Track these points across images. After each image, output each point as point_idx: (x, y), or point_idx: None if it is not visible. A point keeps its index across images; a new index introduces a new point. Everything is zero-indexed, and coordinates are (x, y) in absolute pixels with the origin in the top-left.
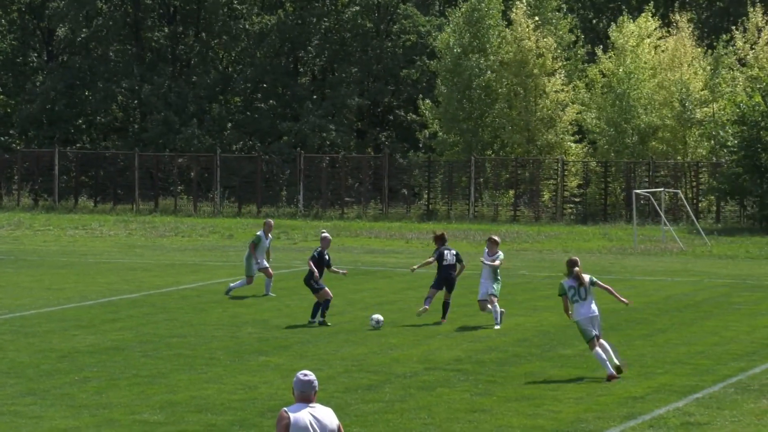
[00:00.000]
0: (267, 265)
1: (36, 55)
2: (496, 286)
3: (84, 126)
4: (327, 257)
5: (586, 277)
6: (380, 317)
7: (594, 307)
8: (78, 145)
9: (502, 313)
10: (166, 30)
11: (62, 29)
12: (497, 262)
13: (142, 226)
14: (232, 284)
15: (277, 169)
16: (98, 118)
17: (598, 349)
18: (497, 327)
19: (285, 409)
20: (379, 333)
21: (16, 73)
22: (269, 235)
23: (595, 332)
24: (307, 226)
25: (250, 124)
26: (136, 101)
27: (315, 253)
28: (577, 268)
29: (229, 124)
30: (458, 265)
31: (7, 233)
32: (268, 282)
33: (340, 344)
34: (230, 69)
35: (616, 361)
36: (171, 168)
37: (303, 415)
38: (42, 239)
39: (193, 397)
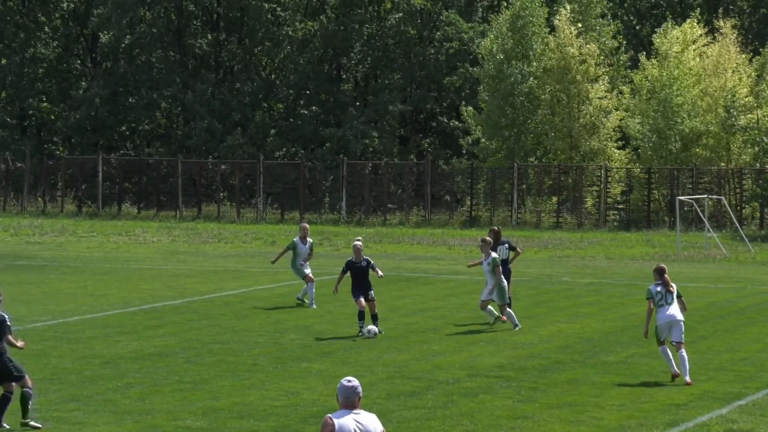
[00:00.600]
0: (308, 272)
1: (79, 62)
2: (500, 292)
3: (127, 133)
4: (362, 264)
5: (674, 286)
6: (374, 328)
7: (676, 312)
8: (121, 151)
9: (497, 317)
10: (209, 37)
11: (106, 36)
12: (490, 267)
13: (185, 232)
14: (307, 298)
15: (319, 176)
16: (142, 125)
17: (665, 347)
18: (516, 329)
19: (330, 415)
20: (421, 340)
21: (60, 80)
22: (308, 239)
23: (668, 337)
24: (350, 233)
25: (293, 130)
26: (179, 108)
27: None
28: (666, 275)
29: (272, 131)
30: (512, 253)
31: (51, 240)
32: (311, 288)
33: (383, 351)
34: (273, 76)
35: (686, 378)
36: (214, 175)
37: (348, 421)
38: (85, 246)
39: (236, 404)
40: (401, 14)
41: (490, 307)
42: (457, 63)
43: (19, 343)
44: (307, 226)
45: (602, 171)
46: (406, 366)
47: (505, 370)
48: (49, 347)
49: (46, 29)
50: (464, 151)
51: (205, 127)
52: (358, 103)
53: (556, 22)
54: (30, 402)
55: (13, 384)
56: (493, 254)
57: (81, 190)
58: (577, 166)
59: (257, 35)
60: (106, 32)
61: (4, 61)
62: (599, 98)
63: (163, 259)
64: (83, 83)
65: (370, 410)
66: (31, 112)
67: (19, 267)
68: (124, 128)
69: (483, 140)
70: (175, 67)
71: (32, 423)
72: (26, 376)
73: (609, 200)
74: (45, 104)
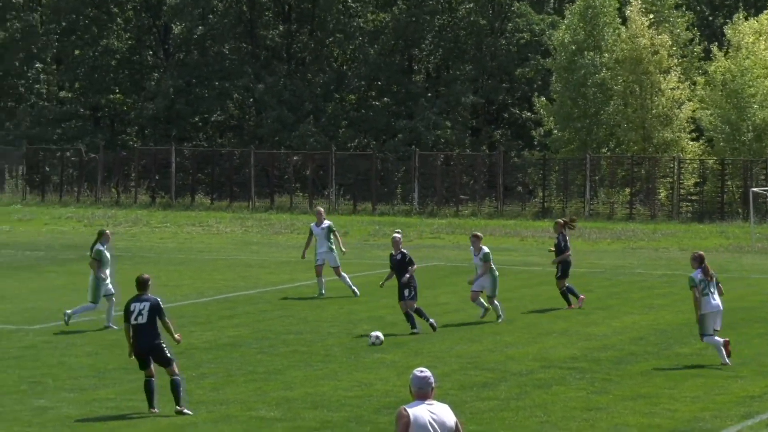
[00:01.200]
0: (321, 263)
1: (152, 53)
2: (491, 285)
3: (200, 124)
4: (397, 258)
5: (714, 274)
6: (380, 334)
7: (720, 301)
8: (194, 142)
9: (486, 309)
10: (281, 28)
11: (178, 27)
12: (481, 262)
13: (258, 223)
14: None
15: (391, 167)
16: (214, 115)
17: (713, 336)
18: (500, 321)
19: (404, 407)
20: (493, 331)
21: (133, 71)
22: (323, 221)
23: (715, 328)
24: (422, 224)
25: (365, 122)
26: (251, 99)
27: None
28: (706, 263)
29: (344, 122)
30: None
31: (124, 230)
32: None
33: (455, 342)
34: (344, 67)
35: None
36: (286, 166)
37: (422, 412)
38: (159, 236)
39: (309, 394)
40: (472, 5)
41: (480, 299)
42: (528, 54)
43: (177, 336)
44: (321, 209)
45: (675, 162)
46: (479, 357)
47: (578, 361)
48: (121, 338)
49: (119, 21)
50: (536, 143)
51: (276, 118)
52: (429, 95)
53: (627, 12)
54: (180, 389)
55: (152, 368)
56: (485, 248)
57: (154, 180)
58: (650, 157)
59: (328, 26)
60: (178, 23)
61: (77, 53)
62: (672, 89)
63: (236, 250)
64: (156, 75)
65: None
66: (104, 103)
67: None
68: (196, 119)
69: (555, 131)
70: (247, 58)
71: (185, 411)
72: (174, 363)
73: (682, 192)
74: (118, 96)
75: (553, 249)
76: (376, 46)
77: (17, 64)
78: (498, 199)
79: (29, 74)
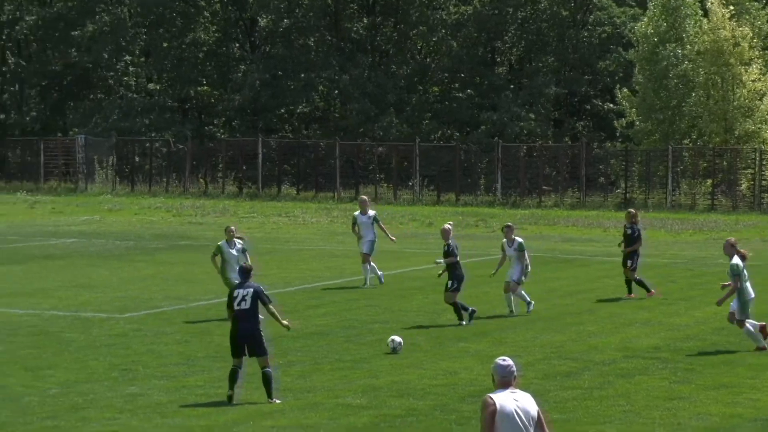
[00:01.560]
0: (367, 251)
1: (238, 45)
2: (518, 274)
3: (286, 115)
4: (446, 248)
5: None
6: (399, 339)
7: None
8: (280, 133)
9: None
10: (365, 21)
11: (264, 19)
12: (516, 253)
13: (343, 213)
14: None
15: (475, 158)
16: (299, 107)
17: (748, 326)
18: (529, 310)
19: (489, 395)
20: (576, 321)
21: (219, 64)
22: (368, 211)
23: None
24: (505, 214)
25: (448, 113)
26: (335, 91)
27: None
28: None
29: (428, 114)
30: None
31: (212, 220)
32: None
33: (539, 331)
34: (428, 59)
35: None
36: (371, 157)
37: (507, 400)
38: (246, 226)
39: (395, 382)
40: None
41: (522, 291)
42: (610, 46)
43: (285, 321)
44: (365, 198)
45: (757, 154)
46: (562, 347)
47: (660, 351)
48: (213, 326)
49: (206, 14)
50: (618, 134)
51: (360, 109)
52: (512, 86)
53: (708, 5)
54: (272, 381)
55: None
56: (518, 239)
57: (241, 171)
58: (732, 148)
59: (412, 19)
60: (264, 16)
61: (165, 46)
62: (753, 81)
63: (322, 240)
64: (242, 67)
65: (526, 390)
66: (191, 95)
67: (182, 247)
68: (282, 111)
69: (638, 123)
70: (331, 51)
71: (276, 401)
72: (267, 356)
73: (764, 183)
74: (205, 88)
75: (623, 243)
76: (459, 38)
77: (106, 56)
78: (580, 190)
79: (118, 67)
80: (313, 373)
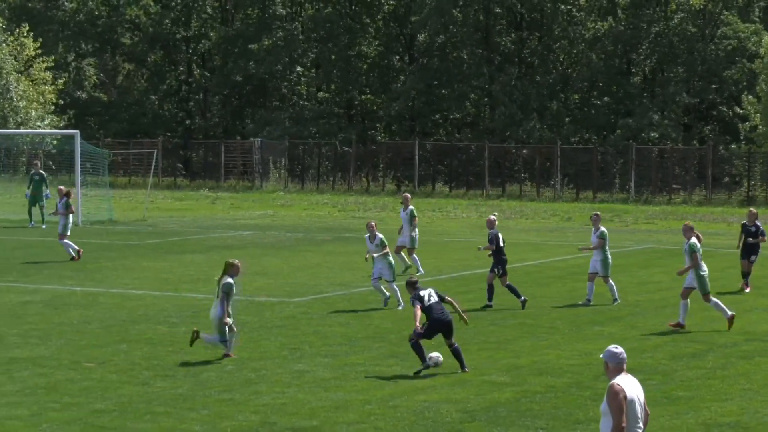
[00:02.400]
0: (402, 244)
1: (398, 58)
2: (602, 266)
3: (440, 120)
4: (490, 237)
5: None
6: (437, 356)
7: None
8: (435, 137)
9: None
10: (513, 36)
11: (422, 35)
12: (598, 240)
13: (491, 209)
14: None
15: (611, 159)
16: (452, 113)
17: (713, 299)
18: (615, 303)
19: (617, 382)
20: (702, 307)
21: (381, 74)
22: (408, 206)
23: None
24: (638, 211)
25: (587, 119)
26: (485, 98)
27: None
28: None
29: (567, 119)
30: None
31: (373, 215)
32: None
33: (668, 317)
34: (569, 69)
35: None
36: (516, 158)
37: (628, 384)
38: None
39: (535, 362)
40: (685, 14)
41: (611, 281)
42: (735, 58)
43: (465, 316)
44: (408, 195)
45: None
46: (688, 330)
47: None
48: (372, 310)
49: (370, 30)
50: (742, 137)
51: (507, 115)
52: (646, 94)
53: None
54: (461, 354)
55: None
56: (602, 228)
57: (399, 171)
58: None
59: (555, 34)
60: (423, 32)
61: (333, 58)
62: None
63: (471, 233)
64: (401, 77)
65: (654, 370)
66: (356, 102)
67: (346, 239)
68: (437, 116)
69: (761, 127)
70: (482, 63)
71: (467, 369)
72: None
73: None
74: (368, 96)
75: (741, 239)
76: (597, 50)
77: (280, 68)
78: (707, 188)
79: (291, 77)
80: (462, 353)
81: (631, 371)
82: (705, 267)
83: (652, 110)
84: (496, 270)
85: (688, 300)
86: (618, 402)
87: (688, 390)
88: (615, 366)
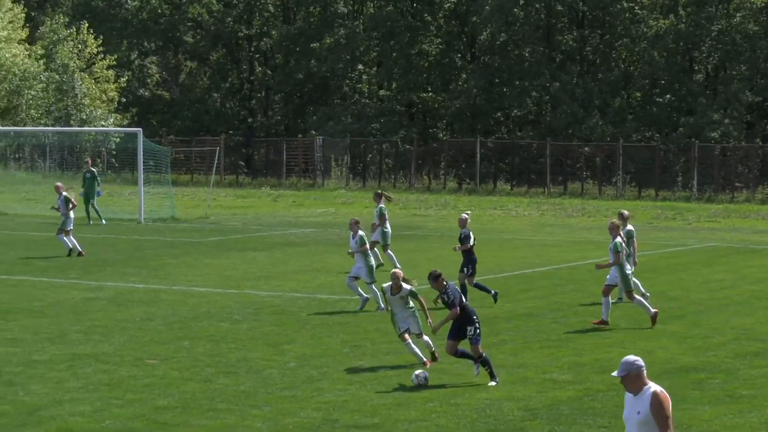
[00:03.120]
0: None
1: (459, 56)
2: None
3: (501, 118)
4: (461, 236)
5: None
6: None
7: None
8: (496, 135)
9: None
10: (575, 33)
11: (484, 34)
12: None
13: (552, 207)
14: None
15: (673, 157)
16: (514, 111)
17: (637, 297)
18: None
19: (662, 390)
20: (765, 305)
21: (443, 72)
22: (379, 204)
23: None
24: (700, 209)
25: (649, 116)
26: (546, 96)
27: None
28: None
29: (630, 116)
30: None
31: (434, 212)
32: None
33: (731, 315)
34: (631, 67)
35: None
36: (578, 156)
37: None
38: None
39: (597, 360)
40: (746, 12)
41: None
42: None
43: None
44: (380, 193)
45: None
46: (752, 329)
47: None
48: (436, 309)
49: (431, 28)
50: None
51: (568, 113)
52: (708, 92)
53: None
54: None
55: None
56: (630, 227)
57: (461, 169)
58: None
59: (617, 31)
60: (484, 30)
61: (394, 56)
62: None
63: (532, 231)
64: (463, 75)
65: (718, 369)
66: (417, 100)
67: (407, 236)
68: (498, 114)
69: None
70: (543, 61)
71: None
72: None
73: None
74: (429, 94)
75: None
76: (659, 48)
77: (342, 66)
78: None
79: (352, 75)
80: (523, 351)
81: (693, 370)
82: (629, 266)
83: (714, 108)
84: (465, 269)
85: (610, 297)
86: (670, 410)
87: (751, 388)
88: (641, 371)
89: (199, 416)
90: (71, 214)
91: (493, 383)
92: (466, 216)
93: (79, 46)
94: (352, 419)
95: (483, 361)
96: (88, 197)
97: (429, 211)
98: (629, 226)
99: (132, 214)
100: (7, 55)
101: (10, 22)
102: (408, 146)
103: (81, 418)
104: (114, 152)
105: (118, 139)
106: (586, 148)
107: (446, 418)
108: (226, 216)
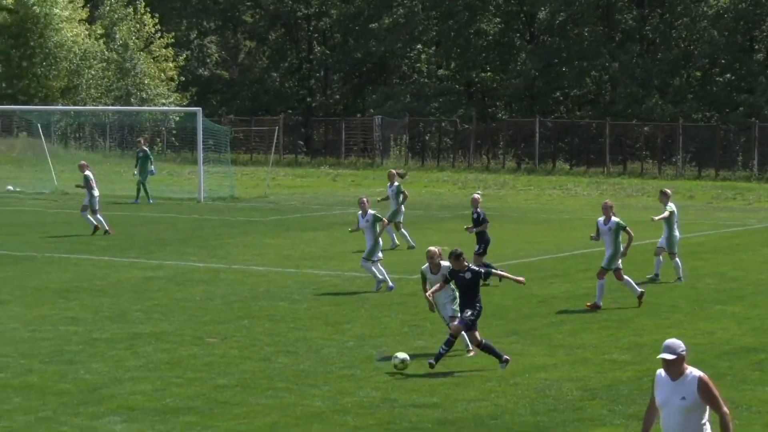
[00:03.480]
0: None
1: (518, 36)
2: (669, 240)
3: (560, 98)
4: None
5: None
6: (403, 356)
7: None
8: (555, 115)
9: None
10: (635, 13)
11: (543, 13)
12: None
13: (612, 187)
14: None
15: (733, 137)
16: (573, 91)
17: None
18: (679, 281)
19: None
20: None
21: (502, 52)
22: (394, 183)
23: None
24: (761, 189)
25: (708, 96)
26: (606, 76)
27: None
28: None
29: (690, 96)
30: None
31: (493, 192)
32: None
33: None
34: (690, 46)
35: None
36: (638, 135)
37: None
38: (523, 198)
39: (657, 340)
40: None
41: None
42: None
43: (521, 278)
44: (394, 172)
45: None
46: None
47: None
48: (493, 287)
49: (490, 7)
50: None
51: (628, 93)
52: None
53: None
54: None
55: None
56: (671, 205)
57: (520, 148)
58: None
59: (677, 11)
60: (543, 10)
61: (453, 36)
62: None
63: (591, 211)
64: (522, 55)
65: None
66: (476, 80)
67: (465, 216)
68: (557, 94)
69: None
70: (603, 40)
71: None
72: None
73: None
74: (488, 73)
75: None
76: (719, 27)
77: (400, 46)
78: None
79: (411, 55)
80: (582, 332)
81: (754, 350)
82: (615, 245)
83: None
84: (478, 248)
85: (605, 280)
86: (718, 390)
87: None
88: (684, 356)
89: (259, 395)
90: (95, 192)
91: (502, 366)
92: (478, 196)
93: (138, 26)
94: (410, 399)
95: (484, 348)
96: (142, 177)
97: (487, 190)
98: (671, 204)
99: (191, 193)
100: (68, 35)
101: (71, 1)
102: (466, 125)
103: (141, 397)
104: (174, 131)
105: (177, 119)
106: (645, 128)
107: (505, 398)
108: (285, 195)
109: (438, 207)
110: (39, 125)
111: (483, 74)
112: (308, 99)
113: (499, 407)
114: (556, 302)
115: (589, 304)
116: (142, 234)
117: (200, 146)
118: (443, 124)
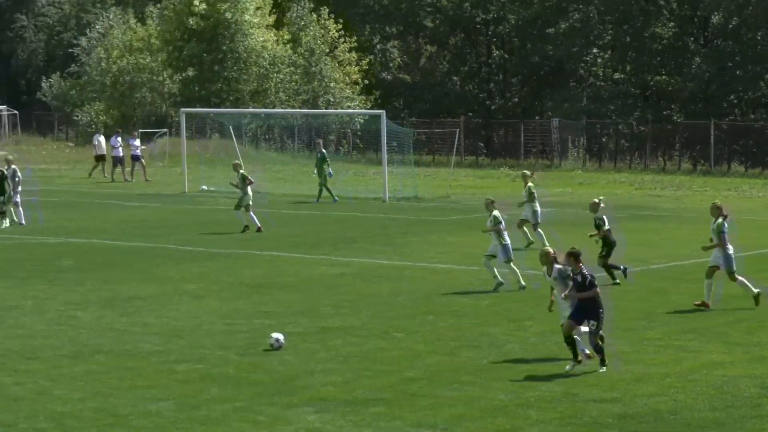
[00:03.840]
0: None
1: (692, 39)
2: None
3: (735, 101)
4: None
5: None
6: (278, 336)
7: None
8: (730, 117)
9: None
10: None
11: (716, 17)
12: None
13: None
14: None
15: None
16: (747, 94)
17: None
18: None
19: None
20: None
21: (676, 55)
22: (527, 183)
23: None
24: None
25: None
26: None
27: None
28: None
29: None
30: None
31: (670, 193)
32: None
33: None
34: None
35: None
36: None
37: None
38: (700, 199)
39: None
40: None
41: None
42: None
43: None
44: (527, 173)
45: None
46: None
47: None
48: (668, 286)
49: (664, 12)
50: None
51: None
52: None
53: None
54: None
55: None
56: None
57: (695, 151)
58: None
59: None
60: (716, 14)
61: (628, 40)
62: None
63: (766, 212)
64: (696, 59)
65: None
66: (651, 83)
67: (642, 216)
68: (731, 97)
69: None
70: None
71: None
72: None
73: None
74: (663, 77)
75: None
76: None
77: (576, 50)
78: None
79: (587, 59)
80: (759, 330)
81: None
82: (731, 246)
83: None
84: (604, 252)
85: (713, 279)
86: None
87: None
88: None
89: (444, 388)
90: (249, 190)
91: (602, 369)
92: (598, 201)
93: (322, 31)
94: (591, 393)
95: (597, 349)
96: (321, 178)
97: (664, 191)
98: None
99: (376, 193)
100: (258, 40)
101: (258, 8)
102: (642, 128)
103: (333, 388)
104: (359, 133)
105: (362, 121)
106: None
107: (684, 393)
108: (466, 196)
109: (615, 207)
110: (231, 127)
111: (658, 77)
112: (488, 102)
113: (678, 403)
114: (734, 300)
115: (697, 303)
116: (331, 232)
117: (384, 147)
118: (620, 127)
